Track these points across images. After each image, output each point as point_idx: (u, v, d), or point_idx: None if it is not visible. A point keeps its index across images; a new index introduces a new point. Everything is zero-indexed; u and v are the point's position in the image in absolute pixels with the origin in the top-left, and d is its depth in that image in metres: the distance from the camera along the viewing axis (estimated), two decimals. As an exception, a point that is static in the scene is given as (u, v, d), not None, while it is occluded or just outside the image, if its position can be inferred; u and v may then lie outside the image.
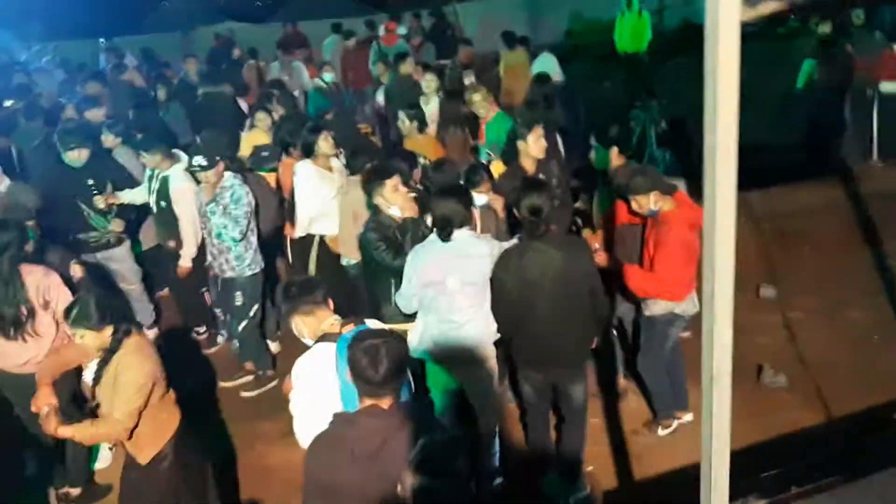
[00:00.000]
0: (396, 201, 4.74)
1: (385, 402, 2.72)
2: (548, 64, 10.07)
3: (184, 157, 6.19)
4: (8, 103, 9.22)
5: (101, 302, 3.65)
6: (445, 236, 4.20)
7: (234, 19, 19.95)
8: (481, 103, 7.10)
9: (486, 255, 4.24)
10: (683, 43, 16.33)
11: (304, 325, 3.49)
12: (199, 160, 5.46)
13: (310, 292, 3.52)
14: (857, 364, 5.40)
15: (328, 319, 3.48)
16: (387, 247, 4.63)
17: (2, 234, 4.38)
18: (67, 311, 3.65)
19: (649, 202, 4.49)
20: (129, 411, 3.59)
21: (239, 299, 5.72)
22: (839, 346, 5.66)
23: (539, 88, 8.27)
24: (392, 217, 4.76)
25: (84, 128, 6.99)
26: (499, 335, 4.38)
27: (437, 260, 4.23)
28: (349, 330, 3.33)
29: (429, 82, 8.32)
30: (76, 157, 6.09)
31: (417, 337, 4.33)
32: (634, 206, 4.60)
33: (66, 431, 3.64)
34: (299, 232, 5.97)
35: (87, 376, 3.78)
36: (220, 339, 6.61)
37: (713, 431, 2.16)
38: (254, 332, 5.90)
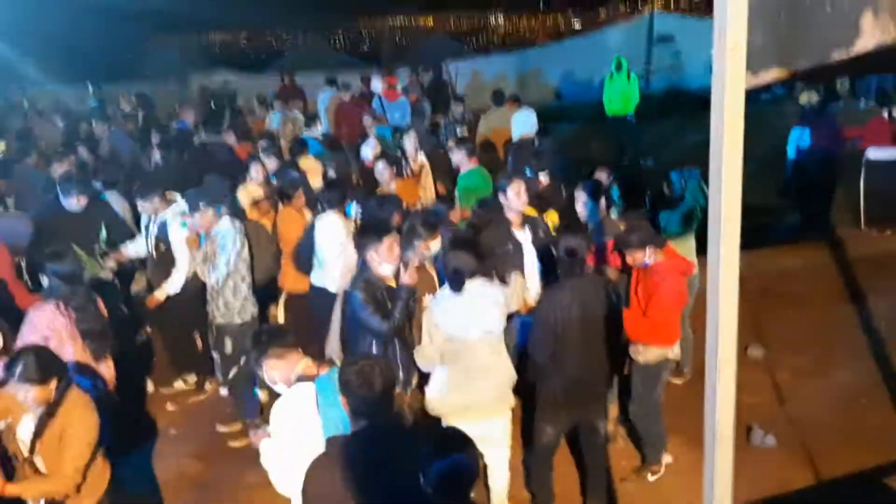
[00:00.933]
0: (391, 261, 4.62)
1: (379, 423, 2.79)
2: (525, 119, 10.27)
3: (180, 199, 6.26)
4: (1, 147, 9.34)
5: (42, 355, 3.56)
6: (458, 287, 4.26)
7: (229, 69, 20.27)
8: (460, 157, 7.32)
9: (501, 301, 4.36)
10: (669, 106, 16.79)
11: (275, 369, 3.51)
12: (183, 206, 5.58)
13: (280, 337, 3.58)
14: (846, 425, 5.44)
15: (300, 363, 3.53)
16: (374, 309, 4.41)
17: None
18: (9, 367, 3.51)
19: (644, 256, 4.68)
20: (79, 466, 3.54)
21: (228, 347, 5.67)
22: (827, 406, 5.70)
23: (519, 144, 8.56)
24: (381, 277, 4.60)
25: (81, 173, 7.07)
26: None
27: (457, 312, 4.27)
28: (325, 371, 3.39)
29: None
30: (75, 203, 6.13)
31: (438, 392, 4.32)
32: (629, 259, 4.79)
33: (13, 489, 3.54)
34: (334, 288, 5.61)
35: (22, 432, 3.62)
36: (207, 385, 6.54)
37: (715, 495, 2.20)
38: (244, 380, 5.85)
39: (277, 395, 3.54)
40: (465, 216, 6.33)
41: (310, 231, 5.91)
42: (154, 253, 6.26)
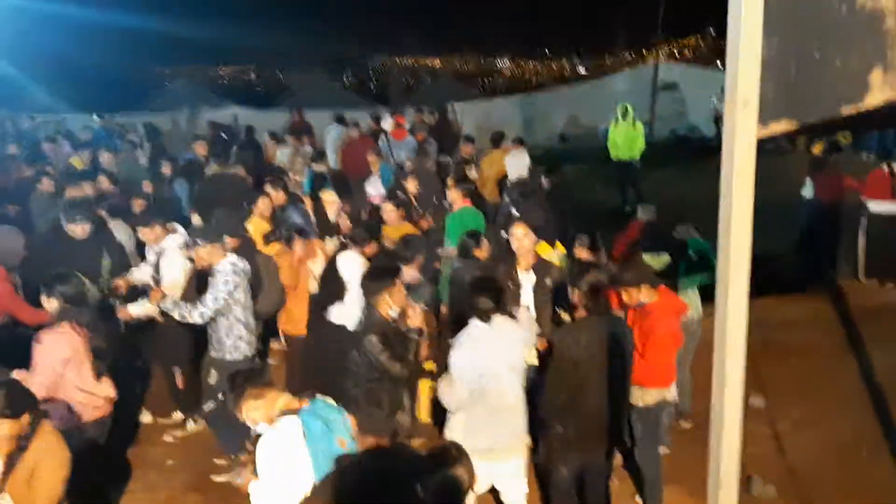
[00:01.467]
0: (400, 303, 4.67)
1: (385, 441, 2.92)
2: (517, 161, 10.38)
3: (181, 230, 6.29)
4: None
5: (14, 389, 3.48)
6: (487, 319, 4.22)
7: (237, 104, 20.52)
8: (453, 196, 7.48)
9: (524, 339, 4.38)
10: (673, 153, 16.96)
11: (255, 410, 3.51)
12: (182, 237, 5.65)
13: (258, 376, 3.61)
14: (845, 476, 5.40)
15: (280, 399, 3.53)
16: (391, 354, 4.45)
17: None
18: None
19: (640, 295, 4.71)
20: (54, 501, 3.48)
21: (213, 378, 5.49)
22: (827, 457, 5.66)
23: (515, 187, 8.63)
24: (391, 319, 4.63)
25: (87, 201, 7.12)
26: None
27: (486, 346, 4.22)
28: (306, 404, 3.43)
29: None
30: (79, 231, 6.15)
31: (460, 434, 4.15)
32: (625, 297, 4.81)
33: None
34: (352, 326, 5.52)
35: None
36: (189, 424, 6.45)
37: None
38: (223, 415, 5.73)
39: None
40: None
41: (332, 267, 5.89)
42: (152, 282, 6.26)
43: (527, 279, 5.48)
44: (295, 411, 3.45)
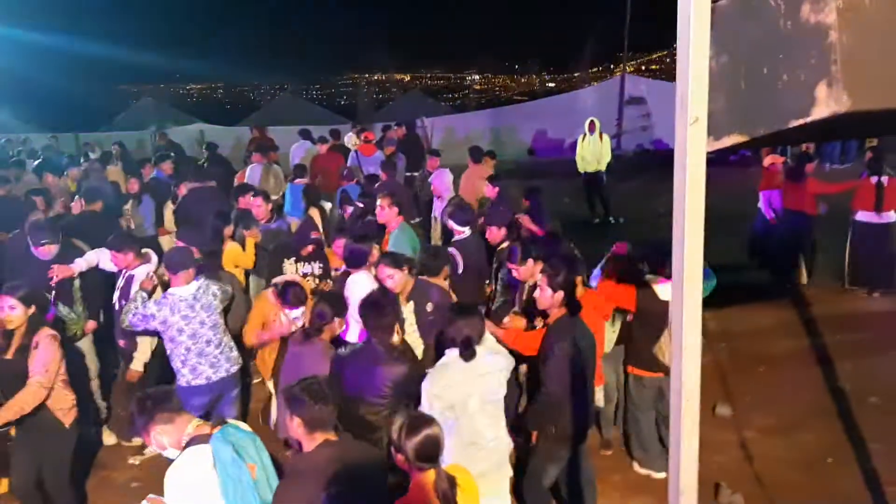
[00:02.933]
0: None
1: (333, 435, 3.14)
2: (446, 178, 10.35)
3: (154, 257, 6.18)
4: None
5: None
6: (469, 356, 4.10)
7: (204, 120, 20.42)
8: (384, 213, 6.98)
9: (505, 368, 4.27)
10: (640, 165, 17.16)
11: (164, 434, 3.45)
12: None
13: (167, 400, 3.51)
14: (813, 484, 5.46)
15: (190, 424, 3.48)
16: None
17: None
18: None
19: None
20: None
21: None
22: (794, 465, 5.72)
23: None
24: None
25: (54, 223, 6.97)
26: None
27: (459, 381, 4.10)
28: (217, 430, 3.41)
29: None
30: (45, 252, 6.05)
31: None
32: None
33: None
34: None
35: None
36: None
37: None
38: None
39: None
40: None
41: (341, 288, 5.76)
42: (116, 304, 6.13)
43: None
44: (206, 437, 3.39)
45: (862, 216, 9.11)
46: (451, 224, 6.79)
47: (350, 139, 13.48)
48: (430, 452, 3.14)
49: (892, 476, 5.42)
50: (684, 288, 2.03)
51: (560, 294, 4.54)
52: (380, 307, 4.44)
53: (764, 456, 5.87)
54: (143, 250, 6.24)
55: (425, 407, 4.09)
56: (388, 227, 6.94)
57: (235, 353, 5.67)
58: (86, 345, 6.32)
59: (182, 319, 5.34)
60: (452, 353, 4.16)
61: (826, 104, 1.91)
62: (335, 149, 12.69)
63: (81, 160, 12.89)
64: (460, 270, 6.32)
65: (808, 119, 1.96)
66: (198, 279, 5.52)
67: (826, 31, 1.89)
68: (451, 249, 6.43)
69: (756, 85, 2.06)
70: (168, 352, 5.47)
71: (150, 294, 5.66)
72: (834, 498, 5.27)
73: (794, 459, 5.82)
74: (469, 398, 4.12)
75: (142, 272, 5.99)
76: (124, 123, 19.07)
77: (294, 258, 6.66)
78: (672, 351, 2.15)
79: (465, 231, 6.68)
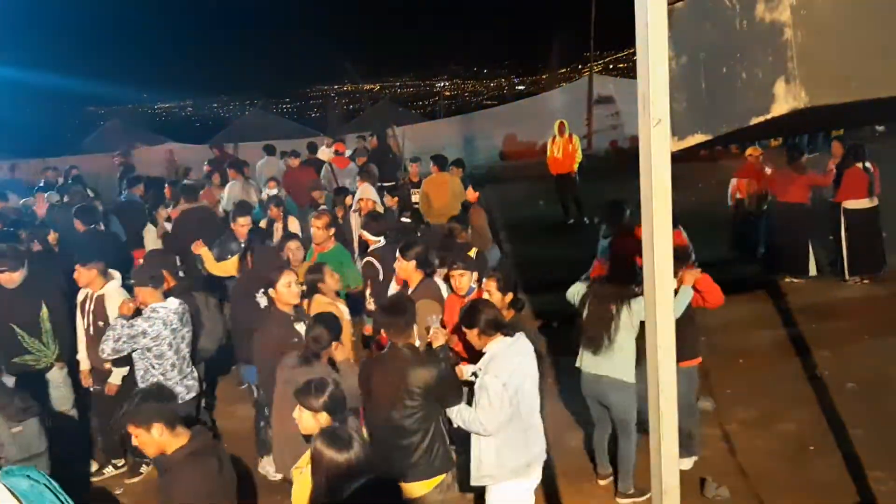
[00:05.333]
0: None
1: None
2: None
3: (117, 275, 6.13)
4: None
5: None
6: (511, 334, 4.29)
7: (174, 139, 20.26)
8: (317, 233, 6.91)
9: (534, 350, 4.40)
10: (611, 164, 17.30)
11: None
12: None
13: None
14: (796, 474, 5.51)
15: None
16: None
17: None
18: None
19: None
20: None
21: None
22: (777, 456, 5.77)
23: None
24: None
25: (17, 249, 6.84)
26: None
27: (517, 364, 4.21)
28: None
29: None
30: (7, 280, 5.93)
31: (495, 457, 4.17)
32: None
33: None
34: None
35: None
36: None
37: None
38: None
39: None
40: None
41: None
42: (91, 329, 6.02)
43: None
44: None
45: (851, 204, 9.15)
46: (365, 235, 6.92)
47: (325, 153, 13.45)
48: None
49: (874, 461, 5.48)
50: (656, 287, 2.05)
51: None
52: (396, 310, 4.38)
53: (747, 448, 5.91)
54: (110, 270, 6.18)
55: (496, 402, 4.07)
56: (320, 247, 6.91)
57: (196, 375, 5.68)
58: (58, 375, 6.19)
59: (171, 334, 5.35)
60: (499, 341, 4.24)
61: (784, 100, 1.94)
62: (308, 163, 12.65)
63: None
64: (381, 278, 6.50)
65: (768, 116, 1.99)
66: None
67: (781, 29, 1.92)
68: (370, 258, 6.63)
69: (716, 84, 2.09)
70: (142, 371, 5.40)
71: (129, 319, 5.56)
72: (818, 485, 5.33)
73: (777, 449, 5.87)
74: (525, 380, 4.21)
75: (114, 292, 5.93)
76: (92, 146, 18.87)
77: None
78: (647, 345, 2.17)
79: (381, 240, 6.84)
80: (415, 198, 9.77)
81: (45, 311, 6.07)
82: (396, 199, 9.81)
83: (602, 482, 5.65)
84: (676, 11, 2.09)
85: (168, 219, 9.15)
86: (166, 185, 10.84)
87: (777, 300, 8.82)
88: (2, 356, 5.93)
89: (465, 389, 4.47)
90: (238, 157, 14.55)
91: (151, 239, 9.10)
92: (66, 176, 13.33)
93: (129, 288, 5.95)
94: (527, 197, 15.31)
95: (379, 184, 11.29)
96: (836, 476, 5.41)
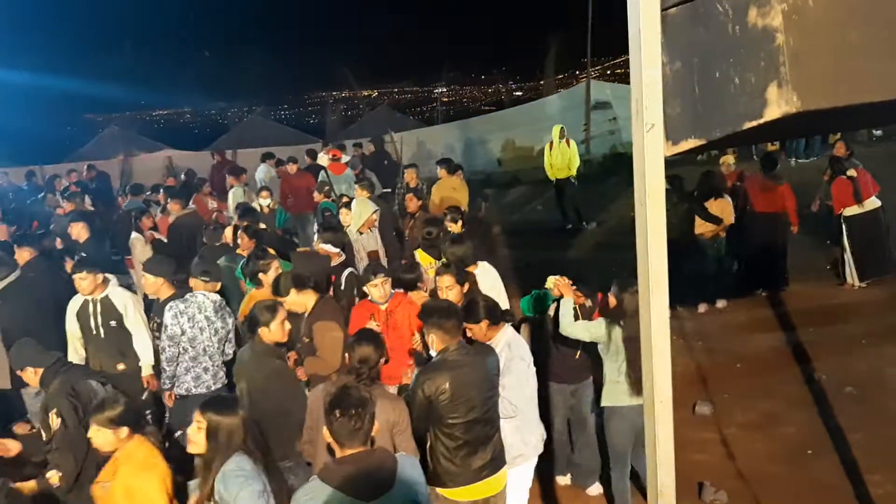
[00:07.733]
0: None
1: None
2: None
3: (113, 278, 6.19)
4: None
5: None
6: (512, 317, 4.78)
7: (172, 146, 20.27)
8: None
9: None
10: (608, 169, 17.33)
11: None
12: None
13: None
14: (795, 477, 5.52)
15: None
16: None
17: None
18: None
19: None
20: None
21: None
22: (776, 459, 5.78)
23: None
24: None
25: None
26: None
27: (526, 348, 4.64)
28: None
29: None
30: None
31: (517, 435, 4.45)
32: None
33: None
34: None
35: None
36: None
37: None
38: None
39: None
40: None
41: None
42: (102, 331, 6.01)
43: None
44: None
45: (849, 211, 9.20)
46: (327, 248, 6.76)
47: (323, 159, 13.48)
48: None
49: (872, 464, 5.49)
50: (651, 292, 2.06)
51: None
52: (443, 310, 4.35)
53: (746, 452, 5.92)
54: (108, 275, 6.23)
55: (520, 380, 4.40)
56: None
57: None
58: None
59: (204, 320, 5.62)
60: (507, 327, 4.58)
61: (777, 105, 1.95)
62: (307, 169, 12.66)
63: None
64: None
65: (761, 120, 2.00)
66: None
67: (773, 35, 1.93)
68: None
69: (709, 89, 2.10)
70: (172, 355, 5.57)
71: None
72: (816, 489, 5.33)
73: (776, 453, 5.88)
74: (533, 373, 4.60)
75: (121, 292, 6.08)
76: (90, 153, 18.88)
77: None
78: (642, 352, 2.18)
79: (342, 255, 6.83)
80: (413, 203, 9.72)
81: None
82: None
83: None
84: (669, 17, 2.10)
85: (154, 227, 9.17)
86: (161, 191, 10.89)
87: (775, 304, 8.83)
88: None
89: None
90: (237, 163, 14.57)
91: (139, 246, 9.09)
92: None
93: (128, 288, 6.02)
94: (525, 202, 15.34)
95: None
96: (835, 479, 5.42)
